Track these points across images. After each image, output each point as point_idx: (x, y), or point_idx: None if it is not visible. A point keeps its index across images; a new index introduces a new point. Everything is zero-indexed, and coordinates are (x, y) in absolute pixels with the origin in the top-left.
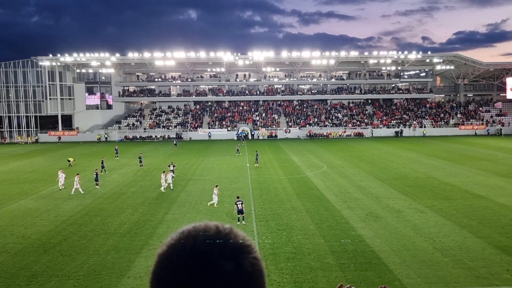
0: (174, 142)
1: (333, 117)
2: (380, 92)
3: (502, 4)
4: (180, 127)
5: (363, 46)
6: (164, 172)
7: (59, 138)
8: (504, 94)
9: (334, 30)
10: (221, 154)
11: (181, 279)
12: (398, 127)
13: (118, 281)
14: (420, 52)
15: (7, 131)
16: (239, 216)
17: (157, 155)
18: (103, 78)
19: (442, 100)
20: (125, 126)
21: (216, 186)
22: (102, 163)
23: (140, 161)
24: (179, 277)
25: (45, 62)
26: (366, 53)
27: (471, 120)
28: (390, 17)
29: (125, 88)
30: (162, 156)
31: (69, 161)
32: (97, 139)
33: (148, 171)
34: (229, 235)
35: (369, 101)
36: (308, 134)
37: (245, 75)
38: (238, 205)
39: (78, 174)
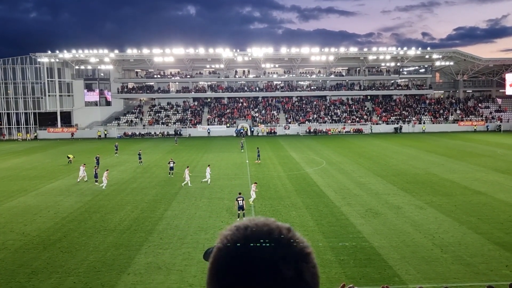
0: (175, 139)
1: (332, 113)
2: (380, 88)
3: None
4: (179, 123)
5: (362, 42)
6: (188, 167)
7: (72, 134)
8: (503, 90)
9: (334, 26)
10: (221, 151)
11: (241, 280)
12: (397, 123)
13: (118, 278)
14: (420, 48)
15: (6, 128)
16: (239, 212)
17: (157, 152)
18: (102, 74)
19: (442, 96)
20: (124, 122)
21: (208, 165)
22: (97, 160)
23: (140, 158)
24: (239, 279)
25: (44, 59)
26: (365, 49)
27: (471, 116)
28: (390, 13)
29: (124, 84)
30: (162, 152)
31: (68, 157)
32: (98, 136)
33: (147, 167)
34: (292, 239)
35: (369, 97)
36: (307, 130)
37: (244, 71)
38: (239, 201)
39: (107, 170)
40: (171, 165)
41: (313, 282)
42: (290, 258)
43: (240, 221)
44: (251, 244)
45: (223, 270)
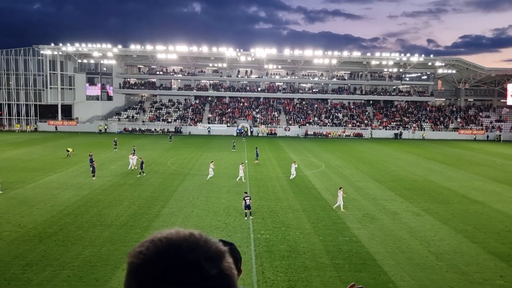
0: (169, 136)
1: (333, 117)
2: (381, 93)
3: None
4: (180, 121)
5: (367, 46)
6: (242, 163)
7: (56, 127)
8: (504, 100)
9: (339, 29)
10: (220, 150)
11: (173, 286)
12: (397, 129)
13: (113, 273)
14: (423, 55)
15: (6, 119)
16: (246, 211)
17: (156, 149)
18: (105, 69)
19: (443, 104)
20: (124, 118)
21: (212, 161)
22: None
23: (133, 154)
24: (171, 285)
25: (47, 51)
26: (368, 54)
27: (471, 125)
28: (396, 18)
29: (126, 80)
30: (161, 149)
31: (68, 151)
32: (99, 130)
33: (146, 164)
34: (208, 242)
35: (370, 102)
36: (305, 133)
37: (246, 71)
38: (246, 200)
39: (212, 161)
40: (134, 161)
41: (233, 277)
42: (211, 257)
43: (147, 237)
44: (173, 252)
45: (152, 282)
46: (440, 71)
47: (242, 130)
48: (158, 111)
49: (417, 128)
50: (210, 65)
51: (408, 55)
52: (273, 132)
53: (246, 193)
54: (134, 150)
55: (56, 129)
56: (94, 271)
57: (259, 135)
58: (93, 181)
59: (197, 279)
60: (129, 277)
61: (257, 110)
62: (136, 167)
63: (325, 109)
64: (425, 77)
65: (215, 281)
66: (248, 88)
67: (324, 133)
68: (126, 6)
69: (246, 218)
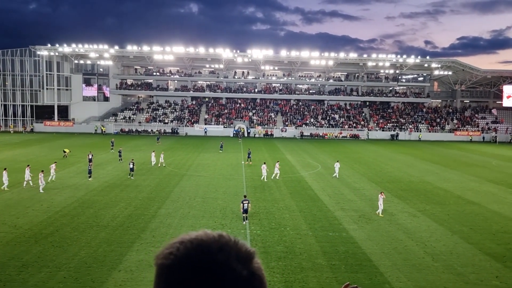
0: (157, 138)
1: (330, 118)
2: (378, 95)
3: (509, 10)
4: (176, 122)
5: (365, 47)
6: (264, 163)
7: (31, 129)
8: (500, 102)
9: (337, 30)
10: (217, 151)
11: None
12: (394, 131)
13: (109, 274)
14: (419, 57)
15: (2, 119)
16: (243, 215)
17: (152, 149)
18: (101, 70)
19: (439, 105)
20: (121, 119)
21: (277, 161)
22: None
23: (120, 156)
24: (204, 286)
25: (43, 52)
26: (365, 55)
27: (467, 126)
28: (394, 19)
29: (123, 80)
30: (158, 150)
31: (64, 152)
32: (103, 131)
33: (143, 165)
34: (238, 243)
35: (366, 103)
36: (300, 134)
37: (243, 72)
38: (244, 204)
39: (278, 161)
40: (131, 166)
41: (263, 277)
42: (241, 258)
43: (176, 239)
44: (204, 253)
45: (183, 283)
46: (436, 72)
47: (239, 131)
48: (154, 112)
49: (413, 129)
50: (207, 66)
51: (404, 56)
52: (269, 133)
53: (245, 196)
54: (159, 141)
55: (28, 131)
56: (90, 272)
57: (255, 136)
58: (89, 182)
59: (229, 279)
60: (160, 279)
61: (253, 111)
62: (164, 164)
63: (321, 110)
64: (421, 78)
65: (247, 282)
66: (244, 89)
67: (321, 134)
68: (123, 6)
69: (244, 222)
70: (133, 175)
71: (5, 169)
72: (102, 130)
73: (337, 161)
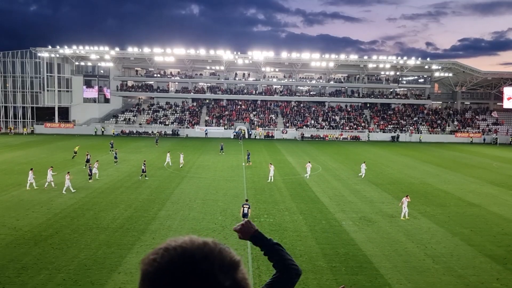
0: (156, 140)
1: (331, 120)
2: (378, 96)
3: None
4: (177, 123)
5: (366, 49)
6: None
7: (10, 129)
8: (501, 103)
9: (338, 32)
10: (217, 153)
11: None
12: (394, 132)
13: (109, 276)
14: (419, 58)
15: (3, 121)
16: (243, 219)
17: (153, 151)
18: (102, 71)
19: (439, 107)
20: (122, 120)
21: (309, 161)
22: (87, 159)
23: (115, 157)
24: None
25: (44, 54)
26: (365, 57)
27: (467, 128)
28: (396, 21)
29: (124, 82)
30: (158, 152)
31: (75, 153)
32: (112, 133)
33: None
34: (221, 250)
35: (367, 105)
36: (301, 136)
37: (244, 74)
38: (245, 208)
39: (309, 161)
40: (143, 167)
41: (247, 287)
42: (225, 268)
43: (162, 244)
44: (187, 261)
45: None
46: (436, 74)
47: (240, 133)
48: (155, 114)
49: (414, 131)
50: (208, 67)
51: (405, 58)
52: (270, 134)
53: (247, 201)
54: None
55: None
56: (89, 275)
57: (256, 137)
58: (89, 184)
59: None
60: (142, 284)
61: (254, 112)
62: (182, 164)
63: (322, 111)
64: (422, 80)
65: None
66: (245, 90)
67: (322, 136)
68: (124, 8)
69: None
70: (146, 175)
71: (31, 169)
72: (99, 131)
73: (364, 162)
